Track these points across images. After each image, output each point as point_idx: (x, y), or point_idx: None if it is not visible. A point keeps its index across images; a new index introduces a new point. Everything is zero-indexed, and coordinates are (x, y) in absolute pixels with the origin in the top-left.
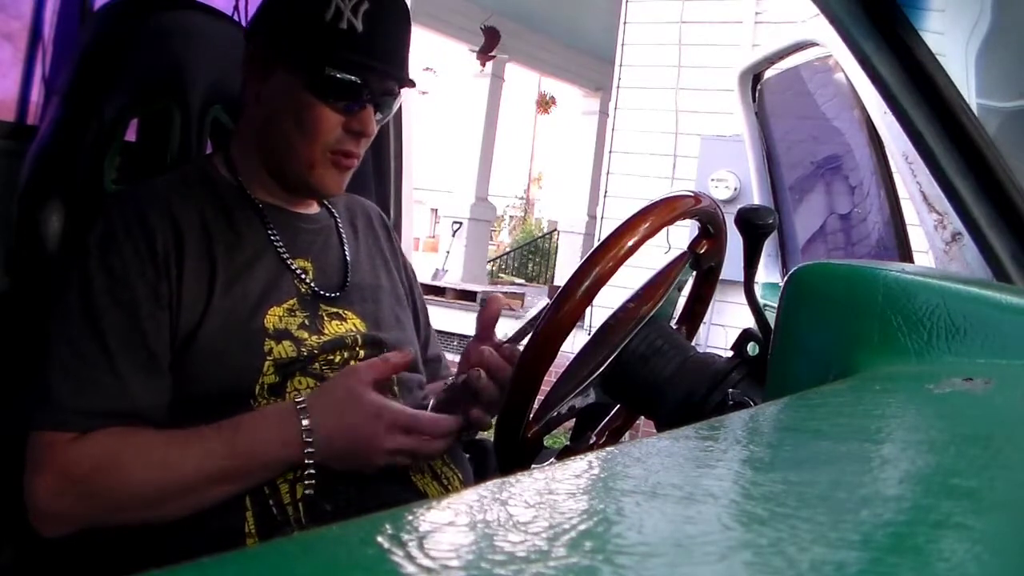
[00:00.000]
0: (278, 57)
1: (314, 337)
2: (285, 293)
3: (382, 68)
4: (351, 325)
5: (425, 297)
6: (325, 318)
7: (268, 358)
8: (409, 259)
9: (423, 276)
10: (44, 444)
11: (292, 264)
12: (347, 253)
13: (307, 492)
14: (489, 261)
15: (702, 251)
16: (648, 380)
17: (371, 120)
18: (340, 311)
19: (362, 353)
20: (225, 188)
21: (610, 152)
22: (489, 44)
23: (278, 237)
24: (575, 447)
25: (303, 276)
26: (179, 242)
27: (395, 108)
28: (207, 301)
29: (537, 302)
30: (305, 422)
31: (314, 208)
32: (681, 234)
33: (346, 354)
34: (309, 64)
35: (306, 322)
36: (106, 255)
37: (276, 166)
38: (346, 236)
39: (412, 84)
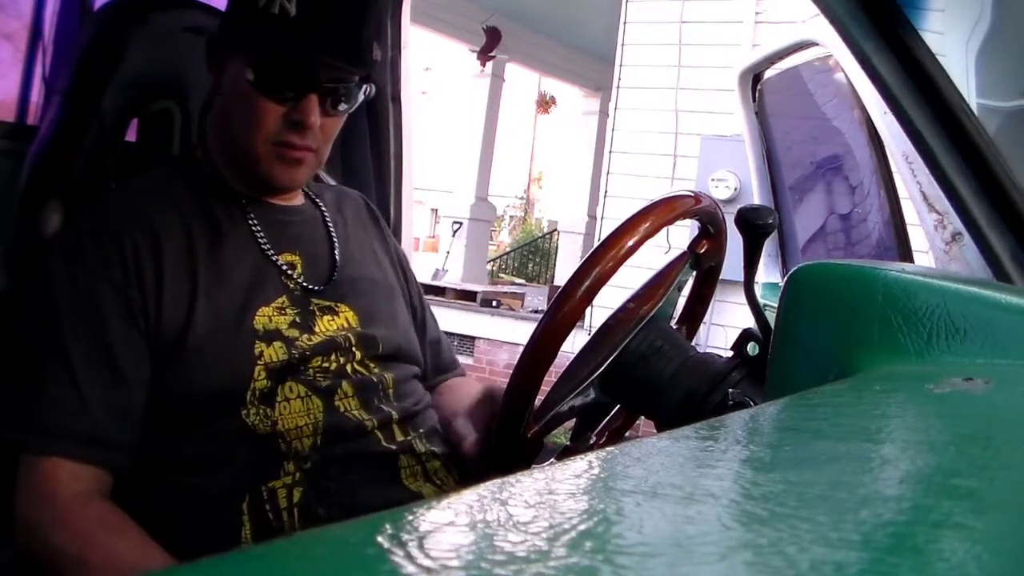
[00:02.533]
0: (226, 47)
1: (305, 336)
2: (273, 291)
3: (318, 54)
4: (344, 320)
5: (425, 297)
6: (317, 313)
7: (259, 362)
8: (408, 257)
9: (423, 276)
10: (23, 464)
11: (278, 259)
12: (336, 244)
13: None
14: (489, 261)
15: (702, 251)
16: (648, 380)
17: (312, 110)
18: (332, 304)
19: (358, 354)
20: (207, 183)
21: (610, 152)
22: (490, 44)
23: (262, 232)
24: (575, 447)
25: (290, 271)
26: (156, 246)
27: (359, 98)
28: (190, 304)
29: (536, 302)
30: None
31: (297, 199)
32: (681, 234)
33: (342, 359)
34: (246, 53)
35: (297, 319)
36: (71, 265)
37: (233, 159)
38: (334, 227)
39: (366, 69)
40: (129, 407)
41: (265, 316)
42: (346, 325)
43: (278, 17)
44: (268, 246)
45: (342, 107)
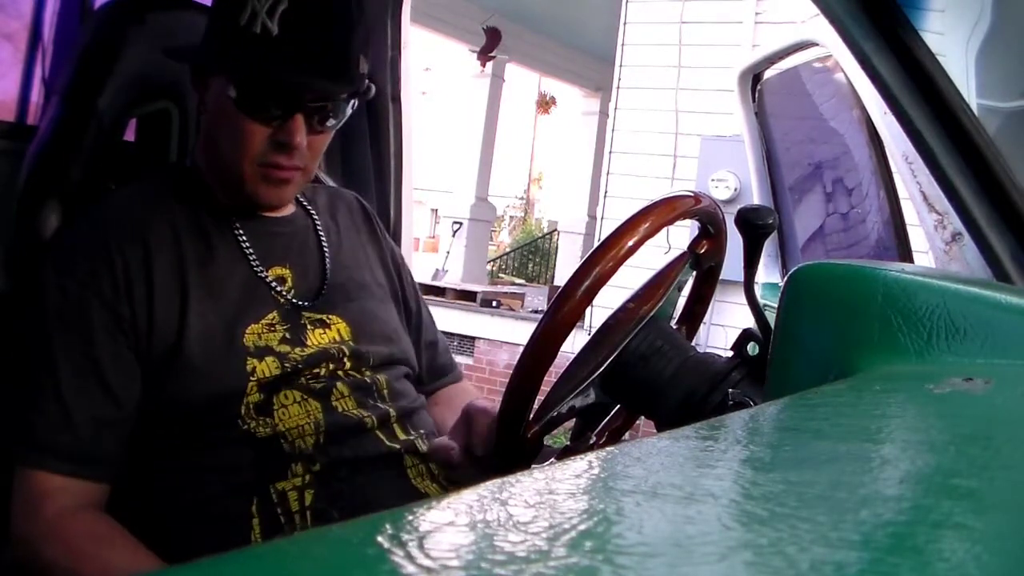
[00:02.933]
0: (210, 65)
1: (297, 349)
2: (263, 307)
3: (302, 75)
4: (335, 332)
5: (425, 297)
6: (308, 326)
7: (252, 378)
8: (408, 256)
9: (423, 276)
10: (16, 475)
11: (267, 276)
12: (327, 254)
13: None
14: (489, 261)
15: (702, 251)
16: (648, 380)
17: (298, 131)
18: (323, 317)
19: (348, 364)
20: (197, 195)
21: (610, 152)
22: (490, 44)
23: (251, 248)
24: (575, 447)
25: (279, 288)
26: (147, 260)
27: (347, 113)
28: (181, 320)
29: (536, 302)
30: None
31: (288, 209)
32: (681, 234)
33: (332, 366)
34: (229, 73)
35: (287, 335)
36: (62, 276)
37: (220, 176)
38: (325, 235)
39: (352, 87)
40: (116, 422)
41: (255, 333)
42: (338, 338)
43: (260, 36)
44: (257, 262)
45: (330, 123)
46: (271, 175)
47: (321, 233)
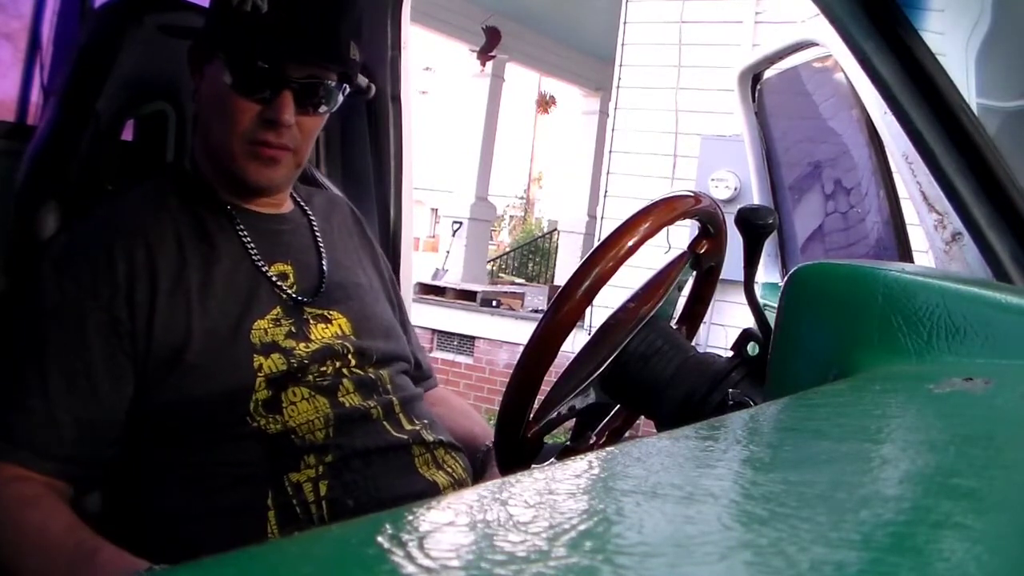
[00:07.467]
0: (205, 50)
1: (302, 344)
2: (267, 303)
3: (288, 51)
4: (337, 328)
5: (425, 297)
6: (311, 321)
7: (259, 375)
8: (408, 257)
9: (423, 276)
10: None
11: (269, 272)
12: (323, 252)
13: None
14: (489, 261)
15: (702, 251)
16: (648, 380)
17: (286, 108)
18: (325, 312)
19: (353, 361)
20: (197, 194)
21: (610, 152)
22: (490, 44)
23: (253, 244)
24: (575, 447)
25: (281, 283)
26: (150, 262)
27: (339, 96)
28: (187, 321)
29: (536, 302)
30: None
31: (285, 207)
32: (681, 234)
33: (338, 363)
34: (222, 53)
35: (292, 329)
36: (62, 276)
37: (213, 161)
38: (321, 234)
39: (341, 67)
40: (101, 424)
41: (261, 329)
42: (340, 333)
43: (250, 15)
44: (259, 258)
45: (322, 108)
46: (260, 153)
47: (317, 232)
